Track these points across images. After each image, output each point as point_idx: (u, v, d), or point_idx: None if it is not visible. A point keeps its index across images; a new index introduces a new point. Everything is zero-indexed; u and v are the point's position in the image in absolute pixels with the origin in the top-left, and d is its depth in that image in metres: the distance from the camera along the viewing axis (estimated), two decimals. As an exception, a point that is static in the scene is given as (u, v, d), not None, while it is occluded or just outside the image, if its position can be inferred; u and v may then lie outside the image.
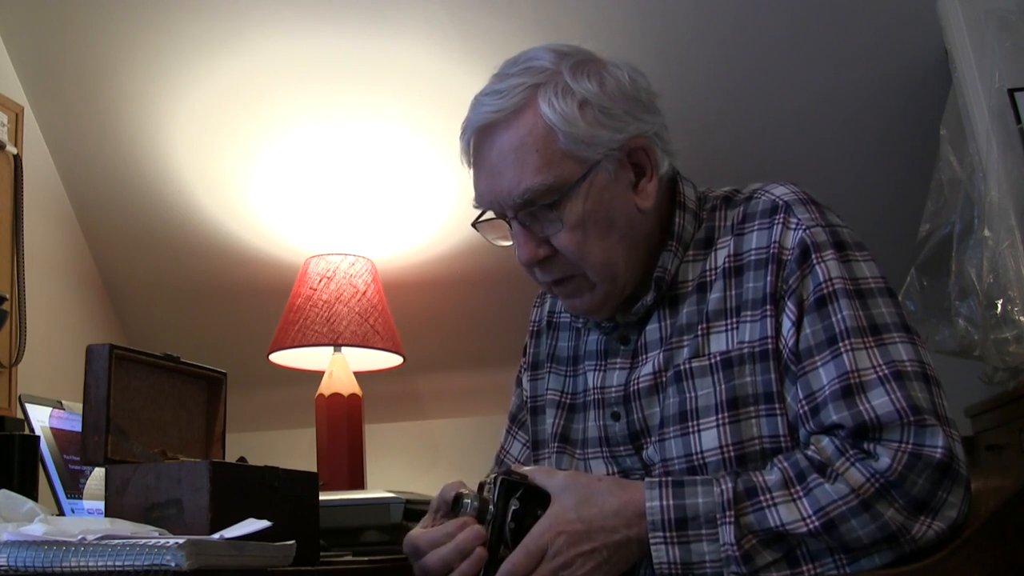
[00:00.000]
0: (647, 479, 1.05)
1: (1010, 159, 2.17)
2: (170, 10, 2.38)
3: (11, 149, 2.19)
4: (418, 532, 1.09)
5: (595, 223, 1.13)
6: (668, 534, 1.01)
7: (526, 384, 1.35)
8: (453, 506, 1.08)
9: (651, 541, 1.01)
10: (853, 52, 2.40)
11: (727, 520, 0.99)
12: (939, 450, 0.97)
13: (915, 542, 0.97)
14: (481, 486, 1.09)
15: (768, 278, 1.11)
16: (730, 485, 1.01)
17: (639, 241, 1.18)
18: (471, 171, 1.20)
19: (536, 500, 1.06)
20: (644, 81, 1.19)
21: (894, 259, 2.34)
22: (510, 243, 1.20)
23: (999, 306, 2.12)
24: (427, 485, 2.61)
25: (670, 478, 1.05)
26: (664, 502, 1.02)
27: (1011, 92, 2.20)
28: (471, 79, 1.22)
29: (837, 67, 2.42)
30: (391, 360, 2.55)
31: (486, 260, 2.64)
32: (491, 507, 1.06)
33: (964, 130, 2.26)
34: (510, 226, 1.17)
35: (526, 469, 1.10)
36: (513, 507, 1.05)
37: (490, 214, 1.20)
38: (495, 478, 1.07)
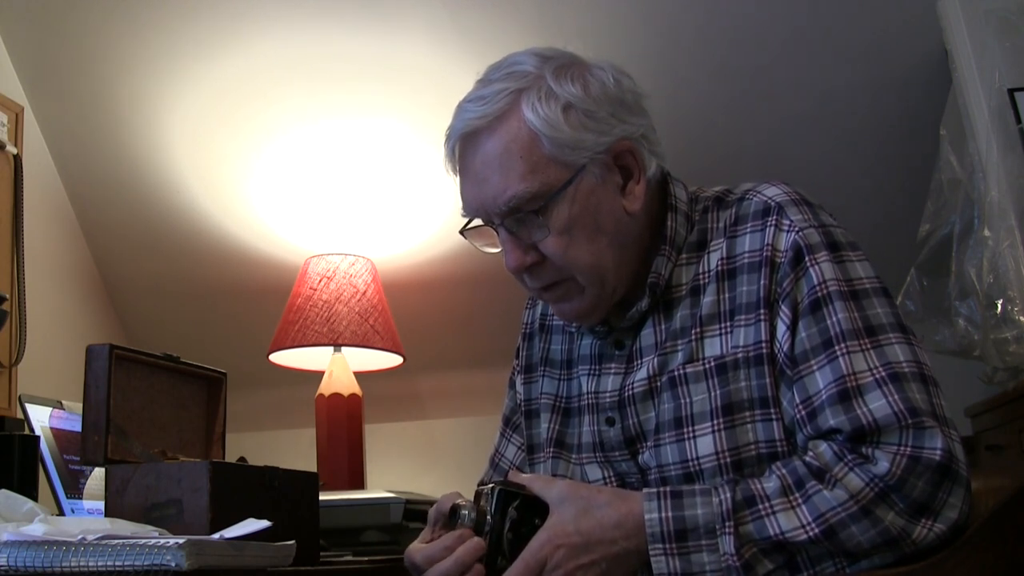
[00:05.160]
0: (645, 490, 1.04)
1: (1010, 159, 2.17)
2: (169, 10, 2.38)
3: (11, 149, 2.19)
4: (416, 547, 1.09)
5: (582, 227, 1.12)
6: (668, 546, 1.00)
7: (520, 387, 1.34)
8: (450, 517, 1.07)
9: (651, 553, 1.00)
10: (853, 53, 2.40)
11: (727, 530, 0.99)
12: (938, 452, 0.97)
13: (916, 545, 0.97)
14: (478, 495, 1.08)
15: (762, 281, 1.10)
16: (729, 495, 1.00)
17: (628, 244, 1.17)
18: (456, 178, 1.19)
19: (534, 509, 1.05)
20: (629, 82, 1.18)
21: (894, 259, 2.34)
22: (498, 250, 1.19)
23: (999, 306, 2.12)
24: (427, 485, 2.62)
25: (668, 488, 1.04)
26: (663, 514, 1.01)
27: (1011, 92, 2.20)
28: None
29: (837, 68, 2.42)
30: (391, 360, 2.55)
31: (486, 260, 2.61)
32: (488, 518, 1.05)
33: (964, 130, 2.26)
34: (497, 233, 1.16)
35: (524, 477, 1.09)
36: (511, 517, 1.05)
37: (478, 221, 1.19)
38: (492, 488, 1.06)
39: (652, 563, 1.00)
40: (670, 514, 1.01)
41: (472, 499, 1.08)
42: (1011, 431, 2.14)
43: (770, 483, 1.01)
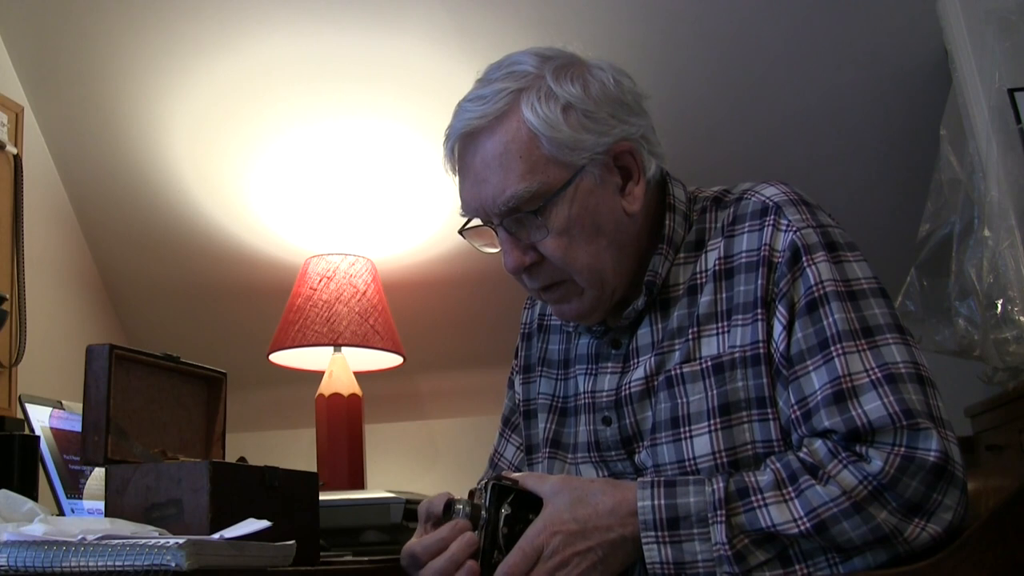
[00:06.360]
0: (639, 479, 1.05)
1: (1010, 159, 2.17)
2: (169, 10, 2.38)
3: (11, 149, 2.19)
4: (413, 541, 1.09)
5: (581, 228, 1.12)
6: (660, 534, 1.01)
7: (518, 387, 1.35)
8: (444, 513, 1.08)
9: (643, 540, 1.01)
10: (853, 53, 2.40)
11: (719, 519, 0.99)
12: (932, 453, 0.97)
13: (909, 544, 0.97)
14: (471, 494, 1.08)
15: (759, 281, 1.10)
16: (722, 485, 1.01)
17: (627, 245, 1.17)
18: (456, 178, 1.19)
19: (527, 505, 1.06)
20: (629, 82, 1.18)
21: (894, 259, 2.34)
22: (497, 250, 1.19)
23: (999, 306, 2.12)
24: (427, 485, 2.62)
25: (662, 478, 1.05)
26: (656, 501, 1.02)
27: (1011, 92, 2.20)
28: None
29: (837, 68, 2.42)
30: (391, 360, 2.55)
31: (486, 260, 2.61)
32: (483, 512, 1.05)
33: (964, 130, 2.26)
34: (496, 233, 1.16)
35: (516, 475, 1.10)
36: (505, 512, 1.05)
37: (477, 221, 1.19)
38: (486, 484, 1.07)
39: (644, 551, 1.01)
40: (662, 502, 1.01)
41: (467, 497, 1.09)
42: (1011, 431, 2.14)
43: (764, 476, 1.02)
